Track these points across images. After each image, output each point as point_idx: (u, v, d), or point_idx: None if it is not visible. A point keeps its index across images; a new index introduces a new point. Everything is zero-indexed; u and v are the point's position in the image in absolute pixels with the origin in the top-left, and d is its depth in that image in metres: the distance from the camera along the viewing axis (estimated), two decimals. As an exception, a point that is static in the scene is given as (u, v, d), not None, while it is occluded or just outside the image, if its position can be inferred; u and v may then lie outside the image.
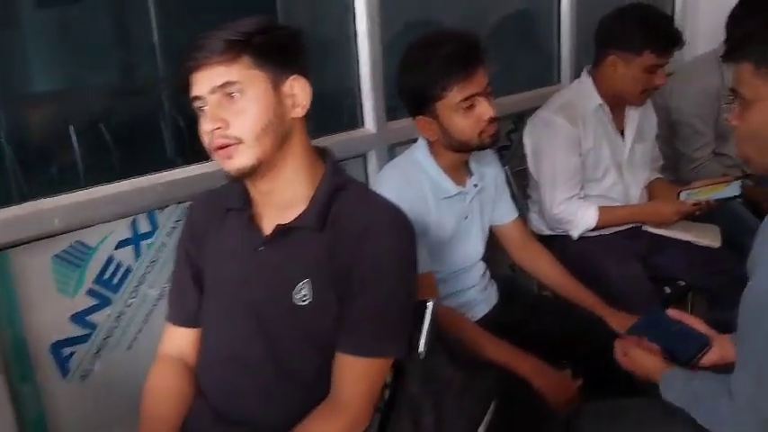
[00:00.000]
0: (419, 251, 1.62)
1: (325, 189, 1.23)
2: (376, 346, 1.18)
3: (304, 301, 1.19)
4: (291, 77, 1.19)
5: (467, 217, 1.79)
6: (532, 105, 2.26)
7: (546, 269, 1.96)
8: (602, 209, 2.12)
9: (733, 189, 2.04)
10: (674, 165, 2.60)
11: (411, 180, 1.69)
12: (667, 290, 2.21)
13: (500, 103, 2.45)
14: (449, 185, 1.73)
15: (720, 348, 1.47)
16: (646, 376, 1.43)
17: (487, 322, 1.79)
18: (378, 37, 2.02)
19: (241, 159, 1.16)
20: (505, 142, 2.56)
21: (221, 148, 1.16)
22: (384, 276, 1.18)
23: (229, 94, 1.15)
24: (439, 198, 1.72)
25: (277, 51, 1.18)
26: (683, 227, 2.21)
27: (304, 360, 1.22)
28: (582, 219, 2.11)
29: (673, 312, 1.56)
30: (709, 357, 1.47)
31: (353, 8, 2.00)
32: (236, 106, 1.15)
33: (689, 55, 3.13)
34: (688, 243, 2.21)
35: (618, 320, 1.81)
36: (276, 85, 1.18)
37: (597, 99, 2.11)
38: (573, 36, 2.69)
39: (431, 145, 1.72)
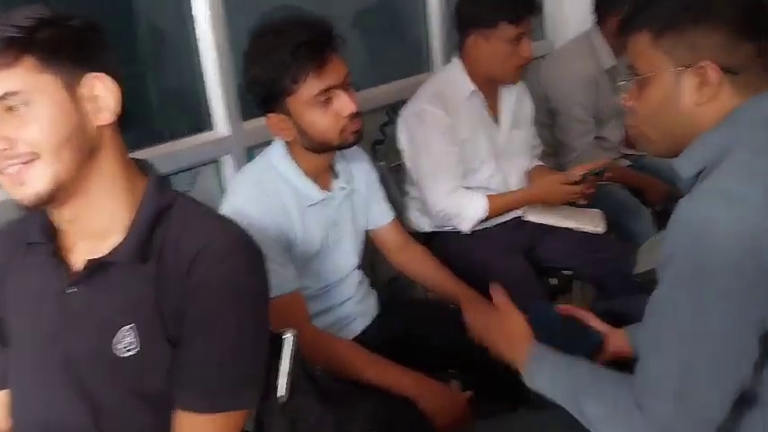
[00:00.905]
0: (284, 267, 1.46)
1: (147, 211, 1.04)
2: (220, 399, 1.00)
3: (129, 350, 1.00)
4: (91, 76, 0.98)
5: (336, 224, 1.62)
6: (406, 96, 2.11)
7: (425, 271, 1.82)
8: (490, 197, 1.99)
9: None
10: (556, 152, 2.54)
11: (268, 188, 1.51)
12: (553, 281, 2.13)
13: (372, 94, 2.32)
14: (312, 191, 1.55)
15: (614, 345, 1.36)
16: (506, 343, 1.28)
17: (367, 338, 1.66)
18: (222, 23, 1.77)
19: (36, 183, 0.95)
20: (379, 136, 2.40)
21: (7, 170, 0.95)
22: (224, 312, 1.00)
23: (11, 108, 0.93)
24: (303, 206, 1.54)
25: (70, 47, 0.96)
26: (566, 214, 2.14)
27: (134, 423, 1.03)
28: (470, 211, 1.96)
29: (562, 308, 1.45)
30: (604, 356, 1.36)
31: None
32: (22, 120, 0.93)
33: (560, 40, 3.09)
34: (572, 230, 2.13)
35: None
36: (71, 89, 0.96)
37: (470, 86, 2.01)
38: (442, 21, 2.57)
39: (288, 146, 1.54)
